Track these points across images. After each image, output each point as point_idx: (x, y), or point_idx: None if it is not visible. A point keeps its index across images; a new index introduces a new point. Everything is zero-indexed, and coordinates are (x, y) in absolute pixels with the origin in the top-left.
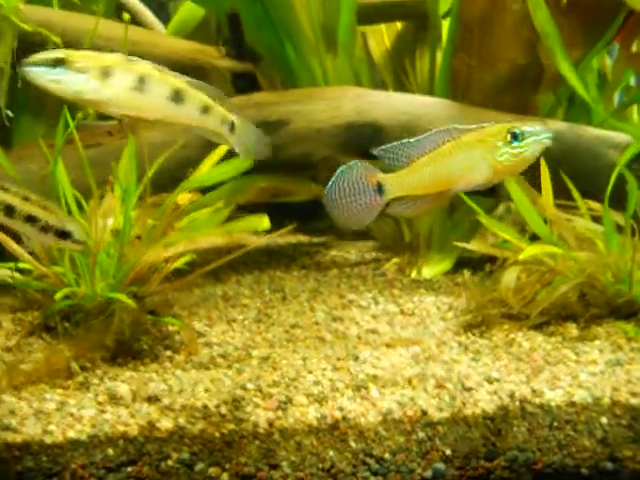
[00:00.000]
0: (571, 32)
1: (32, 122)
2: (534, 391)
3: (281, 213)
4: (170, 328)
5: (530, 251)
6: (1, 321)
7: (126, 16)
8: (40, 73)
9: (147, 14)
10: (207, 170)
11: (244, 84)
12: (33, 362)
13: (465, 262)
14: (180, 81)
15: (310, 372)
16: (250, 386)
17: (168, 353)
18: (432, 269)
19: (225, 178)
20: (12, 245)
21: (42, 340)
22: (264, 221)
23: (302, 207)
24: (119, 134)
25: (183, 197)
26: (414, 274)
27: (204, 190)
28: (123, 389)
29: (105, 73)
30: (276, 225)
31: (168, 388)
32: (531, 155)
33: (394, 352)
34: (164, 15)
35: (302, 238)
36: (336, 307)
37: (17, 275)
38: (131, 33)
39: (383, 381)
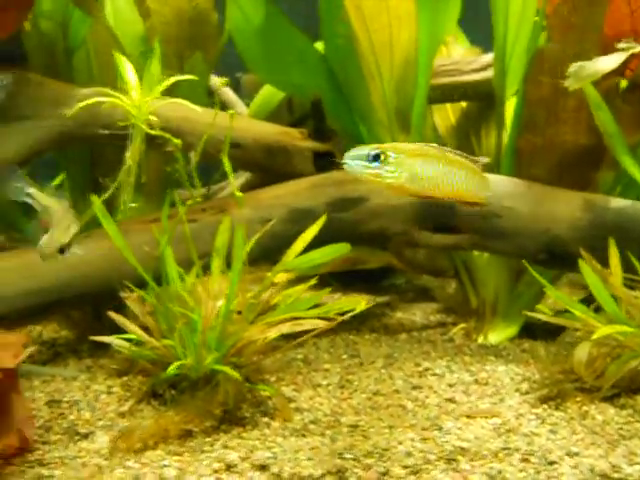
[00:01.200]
0: (630, 117)
1: (134, 197)
2: (613, 466)
3: (345, 273)
4: (262, 393)
5: (603, 332)
6: (112, 386)
7: (232, 112)
8: (360, 167)
9: (230, 94)
10: (309, 253)
11: (324, 163)
12: (146, 427)
13: (530, 327)
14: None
15: (400, 442)
16: (348, 455)
17: (265, 420)
18: (498, 335)
19: (325, 261)
20: (124, 320)
21: (151, 406)
22: (361, 302)
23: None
24: (212, 210)
25: (280, 275)
26: (481, 339)
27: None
28: (233, 456)
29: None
30: (341, 284)
31: (273, 455)
32: None
33: (475, 423)
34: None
35: (367, 297)
36: (412, 375)
37: (127, 344)
38: (225, 119)
39: (471, 453)
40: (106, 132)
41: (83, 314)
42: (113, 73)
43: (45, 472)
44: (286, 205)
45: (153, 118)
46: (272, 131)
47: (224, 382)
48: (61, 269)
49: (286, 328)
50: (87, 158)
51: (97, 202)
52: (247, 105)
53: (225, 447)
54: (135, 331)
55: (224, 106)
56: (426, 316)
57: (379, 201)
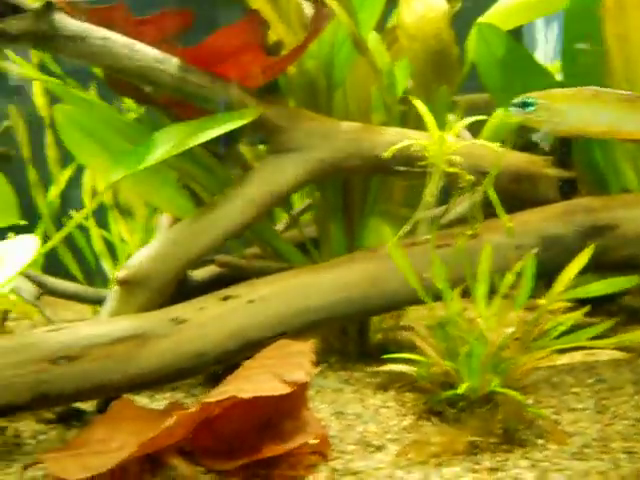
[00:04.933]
0: None
1: (379, 223)
2: None
3: None
4: (527, 415)
5: None
6: (385, 400)
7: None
8: (518, 113)
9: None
10: (595, 283)
11: (568, 189)
12: (435, 442)
13: None
14: None
15: None
16: None
17: (540, 441)
18: None
19: (615, 290)
20: (416, 339)
21: (430, 422)
22: None
23: None
24: (464, 236)
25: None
26: None
27: None
28: (529, 476)
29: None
30: None
31: (568, 478)
32: None
33: None
34: None
35: (594, 320)
36: None
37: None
38: (479, 148)
39: None
40: (397, 167)
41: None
42: (367, 109)
43: None
44: (536, 231)
45: (457, 158)
46: (520, 159)
47: (504, 403)
48: (330, 289)
49: (579, 357)
50: (339, 186)
51: (387, 230)
52: None
53: (516, 466)
54: (427, 351)
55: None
56: None
57: (629, 228)
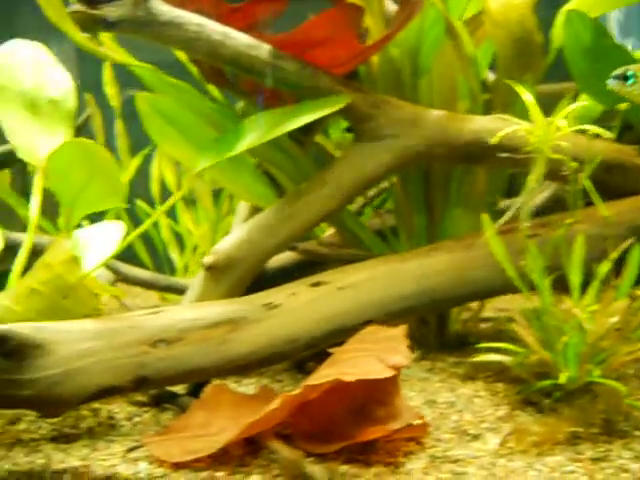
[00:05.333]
0: None
1: (461, 212)
2: None
3: None
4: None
5: None
6: (477, 390)
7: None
8: (616, 85)
9: None
10: None
11: None
12: (535, 432)
13: None
14: None
15: None
16: None
17: (637, 433)
18: None
19: None
20: (519, 330)
21: (526, 413)
22: None
23: None
24: (552, 226)
25: None
26: None
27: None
28: (633, 467)
29: None
30: None
31: None
32: None
33: None
34: None
35: None
36: None
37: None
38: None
39: None
40: (500, 154)
41: None
42: (453, 97)
43: (457, 468)
44: (627, 222)
45: (563, 144)
46: (608, 147)
47: (604, 394)
48: (418, 277)
49: None
50: (422, 175)
51: (485, 216)
52: None
53: (620, 457)
54: (527, 340)
55: None
56: None
57: None
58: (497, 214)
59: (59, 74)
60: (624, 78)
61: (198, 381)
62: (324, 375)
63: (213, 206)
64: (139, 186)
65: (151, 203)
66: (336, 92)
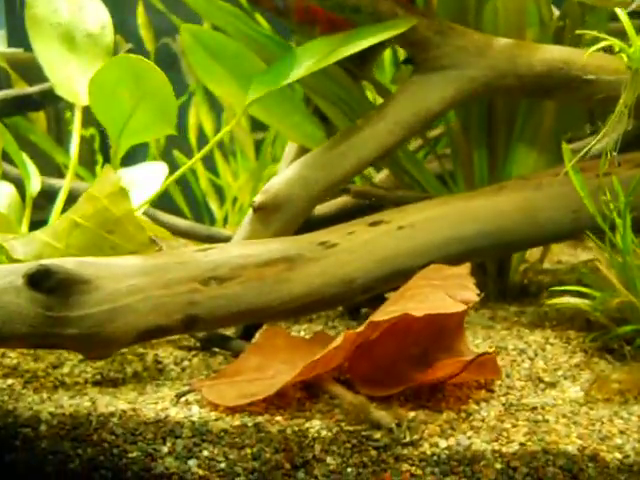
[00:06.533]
0: None
1: (526, 152)
2: None
3: None
4: None
5: None
6: (547, 337)
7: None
8: None
9: None
10: None
11: None
12: (619, 379)
13: None
14: None
15: None
16: None
17: None
18: None
19: None
20: (607, 272)
21: (605, 360)
22: None
23: None
24: (628, 164)
25: None
26: None
27: None
28: None
29: None
30: None
31: None
32: None
33: None
34: None
35: None
36: None
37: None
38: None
39: None
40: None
41: None
42: (521, 24)
43: (536, 417)
44: None
45: None
46: None
47: None
48: (482, 218)
49: None
50: (484, 111)
51: (566, 149)
52: None
53: None
54: (612, 280)
55: None
56: None
57: None
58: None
59: (95, 6)
60: None
61: (252, 323)
62: (390, 311)
63: (254, 157)
64: (176, 137)
65: (189, 155)
66: (398, 15)
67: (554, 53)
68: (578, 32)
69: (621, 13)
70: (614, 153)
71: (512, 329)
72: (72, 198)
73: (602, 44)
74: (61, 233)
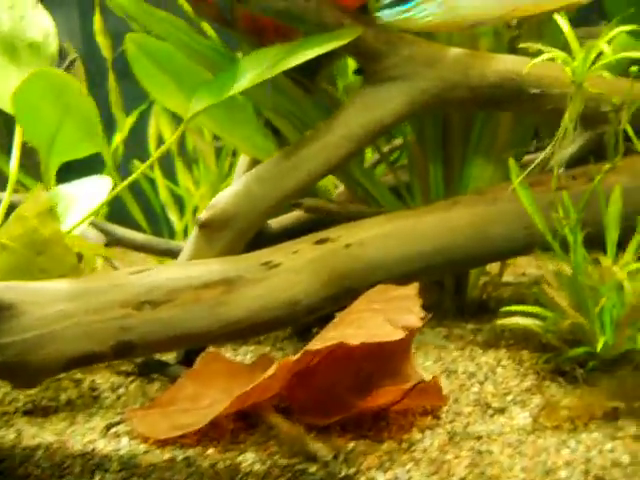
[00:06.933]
0: None
1: (482, 164)
2: None
3: None
4: None
5: None
6: (500, 359)
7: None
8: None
9: None
10: None
11: None
12: (569, 405)
13: None
14: None
15: None
16: None
17: None
18: None
19: None
20: (550, 291)
21: (556, 383)
22: None
23: None
24: (583, 178)
25: None
26: None
27: None
28: None
29: None
30: None
31: None
32: None
33: None
34: None
35: None
36: None
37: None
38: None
39: None
40: (532, 92)
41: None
42: (474, 33)
43: (480, 446)
44: None
45: (605, 73)
46: None
47: None
48: (433, 234)
49: None
50: (439, 123)
51: (512, 163)
52: None
53: None
54: (560, 302)
55: None
56: None
57: None
58: (522, 169)
59: (39, 16)
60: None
61: (189, 348)
62: (326, 338)
63: (215, 165)
64: (136, 146)
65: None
66: (344, 25)
67: (507, 64)
68: (522, 45)
69: (563, 23)
70: (561, 169)
71: (465, 349)
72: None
73: (545, 56)
74: None
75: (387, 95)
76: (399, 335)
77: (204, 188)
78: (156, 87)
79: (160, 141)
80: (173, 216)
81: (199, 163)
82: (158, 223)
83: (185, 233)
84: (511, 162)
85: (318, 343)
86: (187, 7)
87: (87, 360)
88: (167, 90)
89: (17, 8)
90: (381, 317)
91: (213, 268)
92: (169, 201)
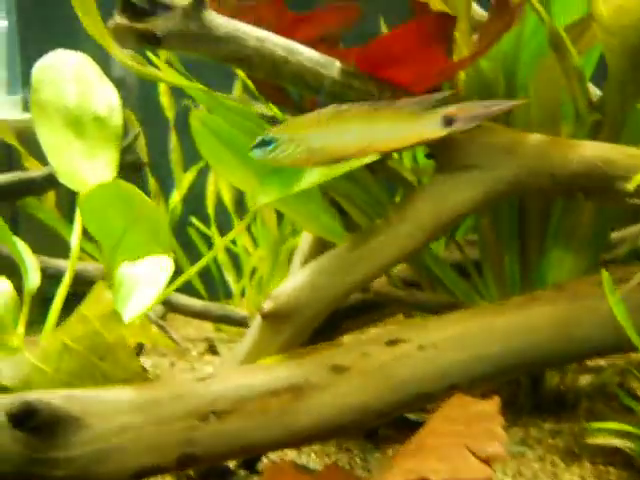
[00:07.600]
0: None
1: (561, 254)
2: None
3: None
4: None
5: None
6: (585, 476)
7: None
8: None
9: None
10: None
11: None
12: None
13: None
14: None
15: None
16: None
17: None
18: None
19: None
20: None
21: None
22: None
23: None
24: None
25: None
26: None
27: None
28: None
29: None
30: None
31: None
32: None
33: None
34: None
35: None
36: None
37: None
38: None
39: None
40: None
41: None
42: (555, 118)
43: None
44: None
45: None
46: None
47: None
48: (512, 334)
49: None
50: (515, 208)
51: (607, 278)
52: None
53: None
54: None
55: None
56: None
57: None
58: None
59: (105, 89)
60: (265, 143)
61: (254, 455)
62: (405, 470)
63: (276, 225)
64: (193, 202)
65: (206, 222)
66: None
67: (592, 150)
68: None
69: None
70: None
71: (545, 460)
72: (79, 281)
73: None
74: (51, 356)
75: (462, 184)
76: (485, 472)
77: (263, 249)
78: (221, 164)
79: (218, 199)
80: (230, 277)
81: (257, 221)
82: (213, 284)
83: (242, 295)
84: (604, 275)
85: (400, 474)
86: (251, 85)
87: (151, 473)
88: (231, 165)
89: (83, 81)
90: (464, 446)
91: (280, 374)
92: (226, 261)
